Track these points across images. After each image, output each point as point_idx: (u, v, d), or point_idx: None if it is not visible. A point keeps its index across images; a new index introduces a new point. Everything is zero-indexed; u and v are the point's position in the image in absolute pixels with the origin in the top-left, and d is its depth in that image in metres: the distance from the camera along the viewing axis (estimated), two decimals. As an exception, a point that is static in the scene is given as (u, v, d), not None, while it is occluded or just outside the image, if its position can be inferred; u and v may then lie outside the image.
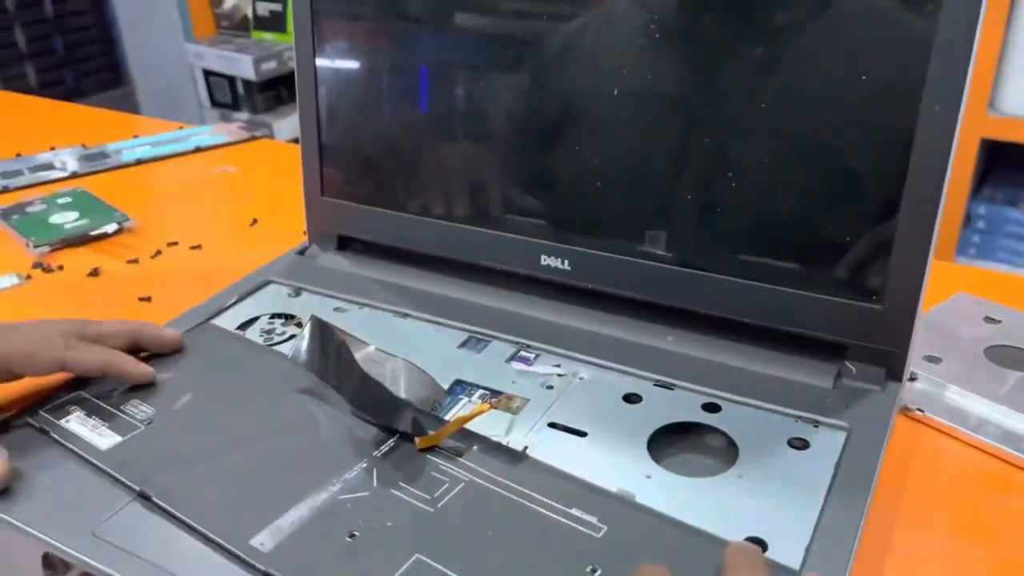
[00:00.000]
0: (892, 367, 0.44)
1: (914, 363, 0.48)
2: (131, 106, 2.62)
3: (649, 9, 0.46)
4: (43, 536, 0.37)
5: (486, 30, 0.52)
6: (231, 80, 2.12)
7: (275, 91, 2.13)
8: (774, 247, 0.46)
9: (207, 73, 2.16)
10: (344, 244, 0.61)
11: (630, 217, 0.49)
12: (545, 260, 0.52)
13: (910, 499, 0.40)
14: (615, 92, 0.48)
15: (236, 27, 2.22)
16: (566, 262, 0.51)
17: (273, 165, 0.86)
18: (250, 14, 2.19)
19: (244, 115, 2.13)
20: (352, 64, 0.57)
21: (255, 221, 0.71)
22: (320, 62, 0.57)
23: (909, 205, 0.41)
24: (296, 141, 0.59)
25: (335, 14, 0.56)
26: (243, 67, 2.07)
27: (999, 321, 0.51)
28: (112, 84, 2.99)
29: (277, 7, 2.13)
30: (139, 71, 2.48)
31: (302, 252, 0.61)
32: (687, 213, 0.47)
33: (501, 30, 0.51)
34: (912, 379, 0.47)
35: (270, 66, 2.07)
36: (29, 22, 2.93)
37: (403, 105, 0.56)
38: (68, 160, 0.85)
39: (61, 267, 0.64)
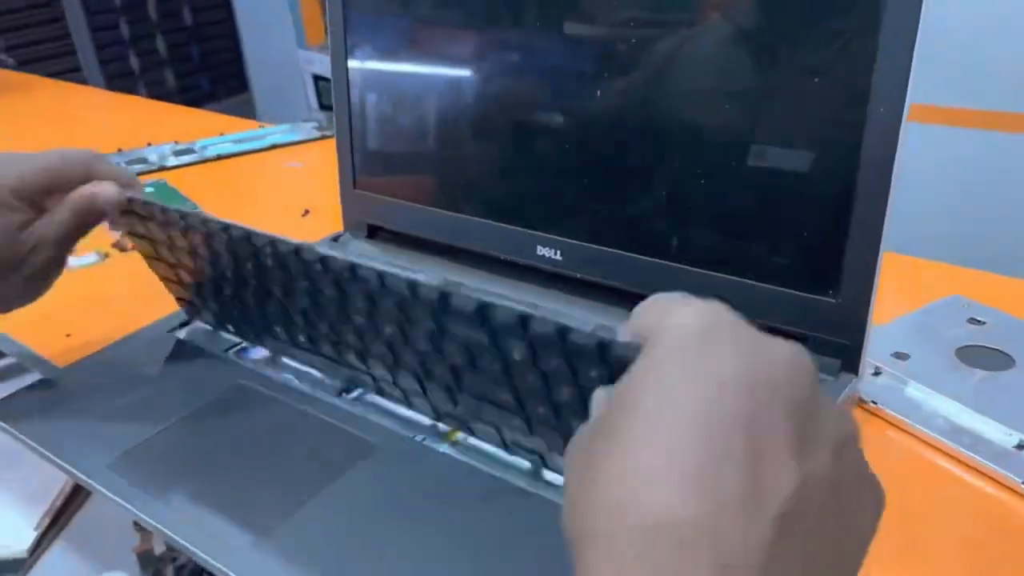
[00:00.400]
0: (847, 359, 0.45)
1: (881, 359, 0.49)
2: (251, 110, 2.80)
3: (615, 22, 0.49)
4: (64, 465, 0.44)
5: (494, 39, 0.56)
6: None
7: (379, 95, 2.24)
8: (741, 243, 0.48)
9: (316, 78, 2.30)
10: (373, 232, 0.66)
11: (612, 214, 0.52)
12: (540, 250, 0.56)
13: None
14: (597, 94, 0.51)
15: (345, 34, 2.35)
16: (558, 252, 0.55)
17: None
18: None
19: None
20: (377, 71, 0.62)
21: (307, 212, 0.78)
22: (351, 66, 0.63)
23: (860, 204, 0.43)
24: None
25: (364, 23, 0.62)
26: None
27: (983, 323, 0.51)
28: (241, 89, 3.21)
29: None
30: (256, 76, 2.66)
31: (336, 239, 0.67)
32: (663, 211, 0.50)
33: (505, 46, 0.55)
34: (876, 373, 0.48)
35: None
36: (170, 30, 3.17)
37: (420, 110, 0.61)
38: (160, 154, 0.95)
39: (134, 248, 0.73)
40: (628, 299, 0.53)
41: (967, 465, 0.42)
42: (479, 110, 0.58)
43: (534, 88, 0.55)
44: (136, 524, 1.09)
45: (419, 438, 0.44)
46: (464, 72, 0.58)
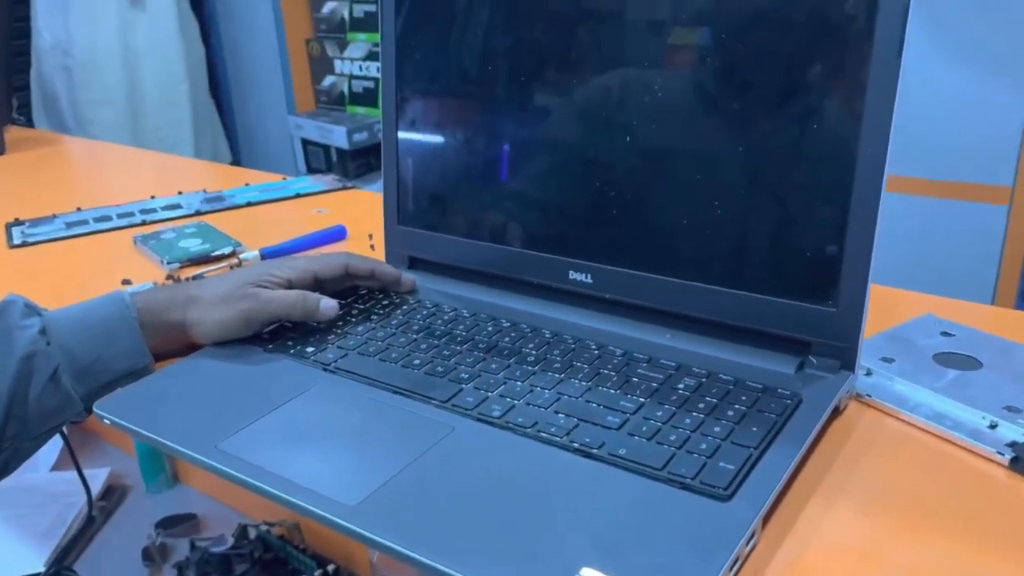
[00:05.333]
0: (844, 359, 0.54)
1: (871, 362, 0.57)
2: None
3: (651, 78, 0.59)
4: (172, 444, 0.50)
5: (523, 95, 0.65)
6: (326, 149, 2.34)
7: (365, 159, 2.34)
8: (753, 264, 0.57)
9: (305, 142, 2.40)
10: (413, 263, 0.74)
11: (639, 241, 0.61)
12: (572, 275, 0.64)
13: (847, 454, 0.49)
14: (627, 140, 0.60)
15: (333, 102, 2.45)
16: (589, 276, 0.63)
17: (358, 208, 1.01)
18: (346, 90, 2.42)
19: (336, 180, 2.34)
20: (421, 124, 0.71)
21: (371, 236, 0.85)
22: (400, 128, 0.71)
23: (853, 232, 0.52)
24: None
25: (412, 85, 0.71)
26: (337, 137, 2.28)
27: (953, 335, 0.60)
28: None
29: (370, 84, 2.36)
30: (245, 139, 2.74)
31: (379, 270, 0.75)
32: (684, 238, 0.59)
33: (535, 96, 0.64)
34: (868, 374, 0.57)
35: (362, 136, 2.28)
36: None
37: (459, 157, 0.70)
38: (192, 202, 1.02)
39: (188, 278, 0.79)
40: (654, 316, 0.61)
41: (950, 442, 0.50)
42: (512, 154, 0.67)
43: (563, 134, 0.64)
44: (145, 553, 1.12)
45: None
46: (498, 122, 0.67)
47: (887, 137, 0.50)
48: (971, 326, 0.62)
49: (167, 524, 1.10)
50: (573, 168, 0.63)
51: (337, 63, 2.43)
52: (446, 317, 0.65)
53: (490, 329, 0.62)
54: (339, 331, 0.63)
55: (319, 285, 0.65)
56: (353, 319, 0.65)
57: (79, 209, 1.01)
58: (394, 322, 0.64)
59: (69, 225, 0.96)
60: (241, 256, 0.83)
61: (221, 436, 0.50)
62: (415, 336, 0.62)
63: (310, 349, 0.60)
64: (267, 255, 0.84)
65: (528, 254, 0.66)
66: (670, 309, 0.60)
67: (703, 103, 0.57)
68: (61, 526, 1.10)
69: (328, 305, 0.63)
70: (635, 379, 0.54)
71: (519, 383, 0.55)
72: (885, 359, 0.58)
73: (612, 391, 0.53)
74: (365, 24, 2.31)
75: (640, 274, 0.61)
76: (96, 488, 1.14)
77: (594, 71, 0.61)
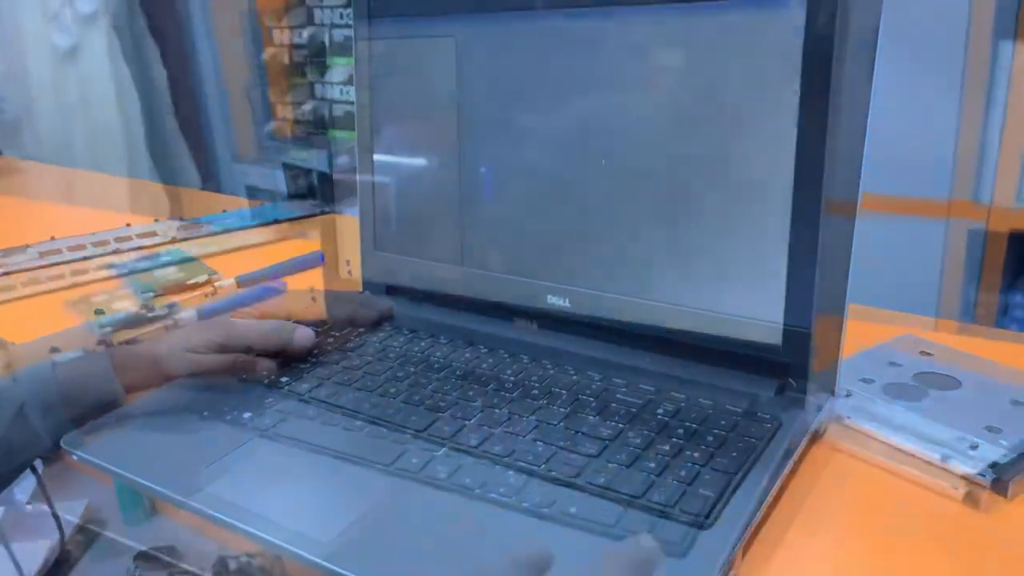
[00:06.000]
0: (824, 381, 0.54)
1: (851, 383, 0.57)
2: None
3: (624, 102, 0.58)
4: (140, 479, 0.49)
5: (498, 119, 0.65)
6: (307, 173, 2.33)
7: (347, 183, 2.33)
8: (731, 286, 0.56)
9: (286, 166, 2.39)
10: (391, 291, 0.73)
11: (616, 264, 0.61)
12: (551, 299, 0.64)
13: (828, 477, 0.49)
14: (602, 164, 0.60)
15: (314, 126, 2.45)
16: (567, 300, 0.63)
17: (337, 232, 1.01)
18: (327, 115, 2.41)
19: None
20: (398, 152, 0.71)
21: (348, 262, 0.85)
22: (375, 153, 0.71)
23: (829, 253, 0.52)
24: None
25: (388, 117, 0.70)
26: (318, 161, 2.28)
27: (932, 355, 0.60)
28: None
29: (352, 108, 2.36)
30: (225, 165, 2.72)
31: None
32: (663, 260, 0.59)
33: (510, 120, 0.64)
34: (848, 395, 0.56)
35: (343, 160, 2.28)
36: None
37: (435, 182, 0.69)
38: (168, 229, 1.01)
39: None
40: (633, 339, 0.60)
41: (931, 464, 0.50)
42: (488, 178, 0.66)
43: (538, 158, 0.63)
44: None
45: None
46: (473, 147, 0.66)
47: (860, 158, 0.50)
48: (950, 345, 0.62)
49: (145, 558, 1.08)
50: (549, 192, 0.63)
51: (318, 87, 2.42)
52: (423, 344, 0.64)
53: (468, 356, 0.62)
54: (314, 360, 0.62)
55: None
56: (329, 347, 0.64)
57: (53, 238, 0.99)
58: (371, 350, 0.63)
59: (43, 255, 0.94)
60: (217, 284, 0.82)
61: (192, 470, 0.49)
62: (392, 364, 0.61)
63: (284, 379, 0.59)
64: (243, 282, 0.83)
65: (506, 278, 0.66)
66: (649, 332, 0.60)
67: (677, 127, 0.57)
68: (35, 562, 1.08)
69: (303, 334, 0.62)
70: (614, 404, 0.54)
71: (496, 411, 0.54)
72: (865, 380, 0.57)
73: (591, 417, 0.52)
74: (346, 49, 2.31)
75: (618, 297, 0.60)
76: (72, 521, 1.11)
77: (569, 96, 0.61)
